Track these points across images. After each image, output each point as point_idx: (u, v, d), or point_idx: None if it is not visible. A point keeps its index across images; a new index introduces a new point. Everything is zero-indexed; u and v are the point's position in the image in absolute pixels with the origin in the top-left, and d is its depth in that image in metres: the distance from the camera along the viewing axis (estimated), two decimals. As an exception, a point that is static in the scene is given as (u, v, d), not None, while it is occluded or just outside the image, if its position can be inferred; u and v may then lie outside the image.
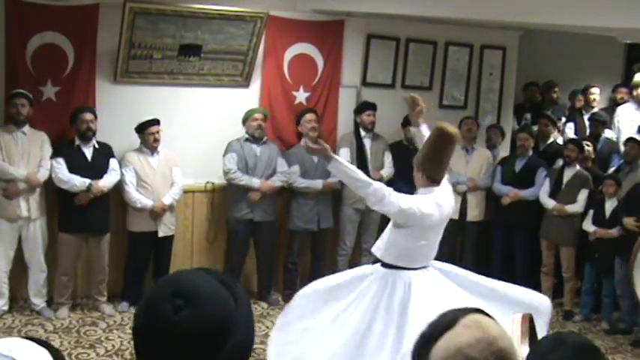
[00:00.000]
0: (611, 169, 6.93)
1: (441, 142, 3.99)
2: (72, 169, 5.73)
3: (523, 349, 2.11)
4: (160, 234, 6.06)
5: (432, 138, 4.04)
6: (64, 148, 5.82)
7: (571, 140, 6.96)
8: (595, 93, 8.03)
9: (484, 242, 6.99)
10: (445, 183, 4.11)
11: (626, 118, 7.70)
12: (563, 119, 7.95)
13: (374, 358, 3.91)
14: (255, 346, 2.00)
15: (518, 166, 6.82)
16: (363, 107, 6.76)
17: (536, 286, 6.73)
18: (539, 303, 4.19)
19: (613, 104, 8.15)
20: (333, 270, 5.68)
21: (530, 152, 6.87)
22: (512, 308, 3.89)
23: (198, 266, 6.11)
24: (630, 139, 6.65)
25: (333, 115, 6.94)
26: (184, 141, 6.37)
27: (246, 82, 6.56)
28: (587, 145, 6.86)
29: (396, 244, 4.04)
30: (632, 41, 7.66)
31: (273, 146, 6.46)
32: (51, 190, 5.82)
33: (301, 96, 6.77)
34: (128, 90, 6.17)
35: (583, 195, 6.44)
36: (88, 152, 5.84)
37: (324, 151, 3.92)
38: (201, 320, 1.28)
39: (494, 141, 7.25)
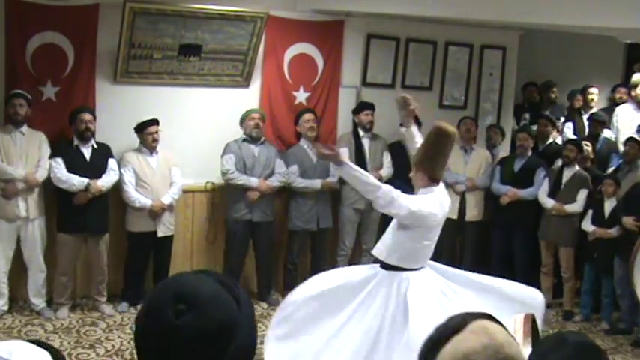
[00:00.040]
0: (610, 169, 6.94)
1: (441, 141, 4.03)
2: (70, 169, 5.73)
3: (526, 349, 2.11)
4: (160, 234, 6.06)
5: (431, 137, 4.06)
6: (62, 148, 5.82)
7: (570, 141, 6.97)
8: (593, 93, 8.03)
9: (483, 242, 6.99)
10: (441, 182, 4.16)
11: (624, 118, 7.70)
12: (562, 119, 7.96)
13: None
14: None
15: (517, 166, 6.83)
16: (361, 107, 6.76)
17: (535, 286, 6.76)
18: (532, 298, 4.25)
19: (612, 104, 8.15)
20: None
21: (530, 152, 6.88)
22: (506, 303, 3.97)
23: (198, 266, 6.14)
24: (630, 139, 6.66)
25: (333, 115, 6.94)
26: (184, 141, 6.37)
27: (246, 82, 6.56)
28: (586, 145, 6.86)
29: (401, 245, 4.07)
30: (632, 41, 7.67)
31: (271, 147, 6.46)
32: (49, 191, 5.82)
33: (301, 96, 6.77)
34: (128, 90, 6.17)
35: (582, 195, 6.45)
36: (87, 152, 5.84)
37: (336, 156, 3.94)
38: (204, 324, 1.27)
39: (494, 140, 7.25)
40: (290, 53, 6.67)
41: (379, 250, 4.17)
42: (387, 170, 6.73)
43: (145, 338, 1.32)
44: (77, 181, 5.71)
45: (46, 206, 5.81)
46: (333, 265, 6.65)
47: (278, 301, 6.45)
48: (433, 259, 4.35)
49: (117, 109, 6.13)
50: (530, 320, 2.36)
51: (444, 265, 4.34)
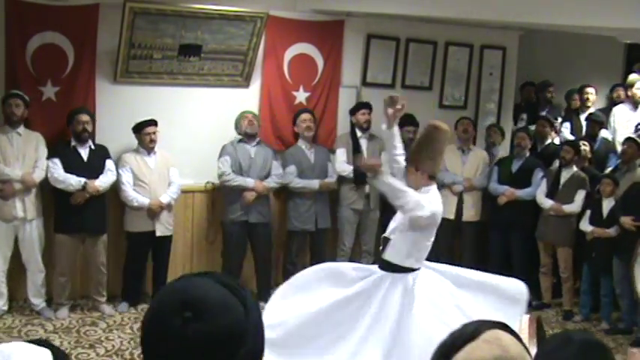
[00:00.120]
0: (609, 169, 6.94)
1: (437, 139, 4.13)
2: (68, 170, 5.73)
3: (531, 350, 2.11)
4: (158, 233, 6.05)
5: (428, 136, 4.16)
6: (60, 148, 5.81)
7: (567, 142, 6.98)
8: (590, 93, 8.01)
9: (481, 242, 6.99)
10: None
11: (621, 118, 7.70)
12: (559, 119, 7.96)
13: (359, 345, 3.95)
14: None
15: (515, 166, 6.83)
16: (357, 106, 6.76)
17: (535, 286, 6.77)
18: (518, 291, 4.25)
19: (611, 104, 8.15)
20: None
21: (528, 153, 6.88)
22: (490, 296, 4.09)
23: (198, 267, 6.11)
24: (628, 139, 6.67)
25: (333, 115, 6.94)
26: (184, 141, 6.37)
27: (246, 82, 6.56)
28: (584, 145, 6.87)
29: (416, 246, 4.14)
30: (632, 41, 7.68)
31: (268, 148, 6.45)
32: (47, 191, 5.82)
33: (301, 96, 6.77)
34: (128, 90, 6.17)
35: (580, 196, 6.45)
36: (84, 153, 5.84)
37: (378, 167, 4.02)
38: (212, 332, 1.25)
39: (494, 139, 7.25)
40: (290, 53, 6.67)
41: (391, 255, 4.17)
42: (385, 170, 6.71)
43: (151, 344, 1.30)
44: (74, 181, 5.70)
45: (43, 207, 5.81)
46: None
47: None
48: (433, 259, 4.37)
49: (117, 109, 6.13)
50: (535, 322, 2.36)
51: (434, 263, 4.38)
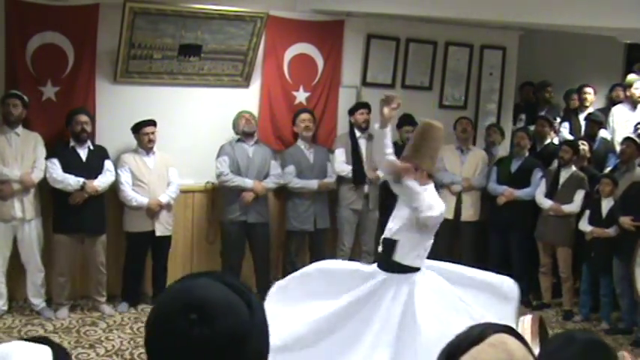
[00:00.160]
0: (608, 169, 6.94)
1: (434, 137, 4.16)
2: (66, 170, 5.72)
3: (534, 350, 2.11)
4: (157, 233, 6.05)
5: (423, 135, 4.18)
6: (58, 149, 5.81)
7: (565, 142, 6.97)
8: (588, 93, 8.00)
9: (480, 242, 6.99)
10: None
11: (620, 118, 7.71)
12: (558, 119, 7.96)
13: (368, 354, 3.93)
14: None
15: (514, 166, 6.83)
16: (356, 106, 6.76)
17: (535, 286, 6.77)
18: (509, 289, 4.27)
19: (610, 104, 8.16)
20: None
21: (527, 153, 6.88)
22: (483, 293, 4.15)
23: (198, 267, 6.10)
24: (627, 139, 6.67)
25: (333, 115, 6.94)
26: (184, 141, 6.37)
27: (246, 82, 6.56)
28: (583, 145, 6.87)
29: (422, 245, 4.16)
30: (632, 41, 7.68)
31: (266, 148, 6.45)
32: (45, 191, 5.81)
33: (301, 96, 6.77)
34: (128, 90, 6.17)
35: (579, 196, 6.45)
36: (83, 153, 5.84)
37: (410, 170, 4.04)
38: (217, 334, 1.24)
39: (494, 139, 7.24)
40: (290, 53, 6.67)
41: (402, 256, 4.16)
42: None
43: (156, 347, 1.30)
44: (73, 181, 5.70)
45: (42, 207, 5.80)
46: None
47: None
48: (433, 259, 4.37)
49: (117, 109, 6.12)
50: (538, 321, 2.36)
51: (430, 260, 4.38)
